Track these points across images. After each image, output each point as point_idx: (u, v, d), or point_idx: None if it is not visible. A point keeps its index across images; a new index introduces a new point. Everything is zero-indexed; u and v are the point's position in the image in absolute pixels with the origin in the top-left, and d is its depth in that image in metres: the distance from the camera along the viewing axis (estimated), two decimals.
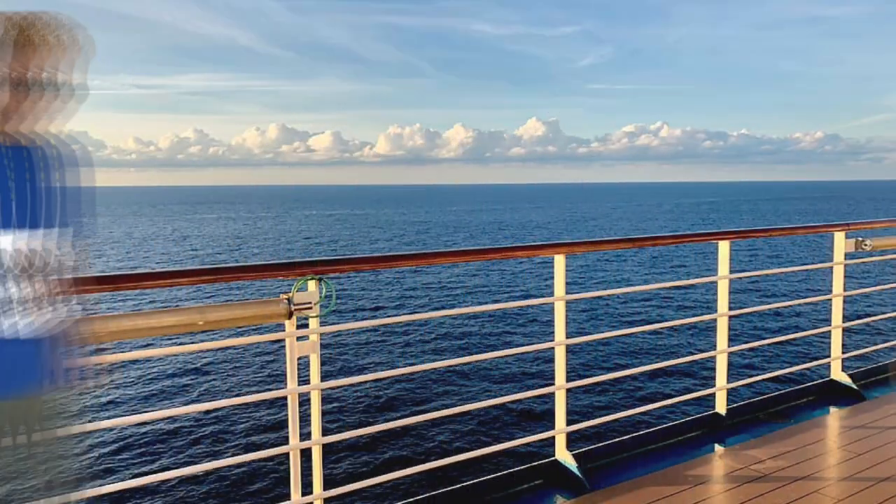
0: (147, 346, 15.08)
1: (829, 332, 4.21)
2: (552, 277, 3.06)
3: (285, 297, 2.33)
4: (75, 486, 1.71)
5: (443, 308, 22.24)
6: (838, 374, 4.19)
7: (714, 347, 3.65)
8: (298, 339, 2.39)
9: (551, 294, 3.05)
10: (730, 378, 3.71)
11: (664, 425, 3.47)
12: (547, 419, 10.92)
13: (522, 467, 2.99)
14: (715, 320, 3.63)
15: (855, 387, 4.09)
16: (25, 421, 1.66)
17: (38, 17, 1.53)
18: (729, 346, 3.65)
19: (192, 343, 14.59)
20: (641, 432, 3.38)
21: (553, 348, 3.04)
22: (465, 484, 2.78)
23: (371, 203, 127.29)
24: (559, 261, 3.00)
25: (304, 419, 2.50)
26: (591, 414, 11.20)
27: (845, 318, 4.17)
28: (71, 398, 1.70)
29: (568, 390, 3.10)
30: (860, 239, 4.04)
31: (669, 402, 3.68)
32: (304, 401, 2.56)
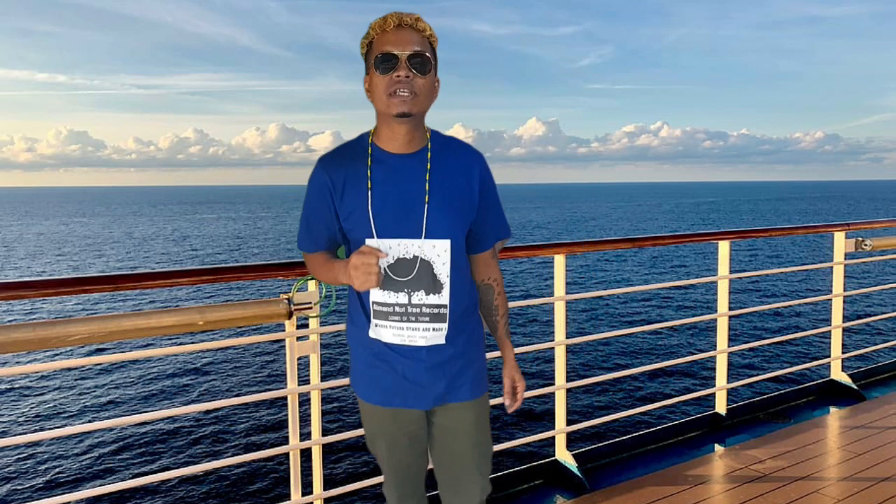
0: (147, 346, 15.10)
1: (829, 332, 4.22)
2: (552, 277, 3.06)
3: (285, 297, 2.32)
4: None
5: None
6: (838, 374, 4.19)
7: (714, 347, 3.65)
8: (298, 339, 2.39)
9: (551, 294, 3.05)
10: (730, 378, 3.72)
11: (664, 425, 3.47)
12: (547, 419, 10.91)
13: (522, 467, 2.98)
14: (715, 320, 3.64)
15: (855, 387, 4.09)
16: None
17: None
18: (729, 346, 3.65)
19: (192, 343, 14.58)
20: (641, 432, 3.38)
21: (553, 348, 3.04)
22: None
23: None
24: (559, 261, 3.00)
25: (304, 419, 2.50)
26: (591, 414, 11.20)
27: (845, 318, 4.17)
28: None
29: (568, 390, 3.10)
30: (860, 239, 4.04)
31: (669, 402, 3.68)
32: (304, 401, 2.56)
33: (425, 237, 1.61)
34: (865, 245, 4.02)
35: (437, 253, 1.61)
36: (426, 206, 1.61)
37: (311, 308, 2.36)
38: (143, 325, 2.12)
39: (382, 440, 1.76)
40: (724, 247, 3.58)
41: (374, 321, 1.66)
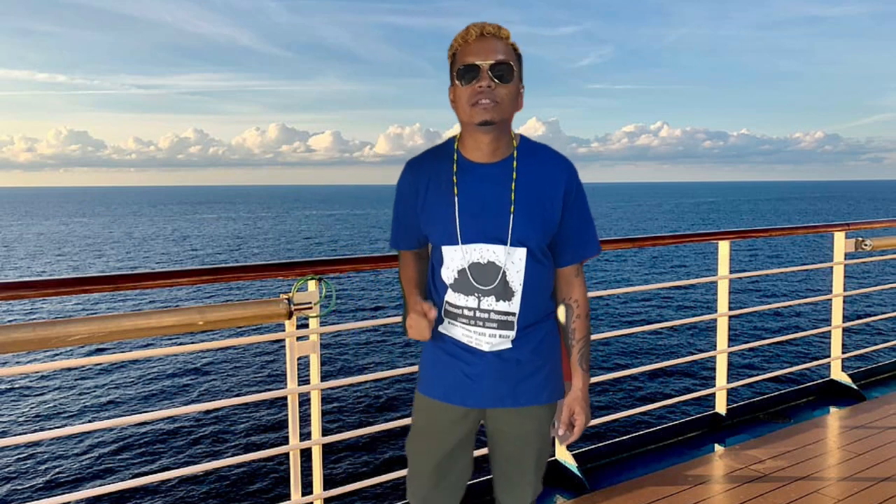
0: (147, 346, 15.10)
1: (829, 332, 4.22)
2: None
3: (285, 297, 2.32)
4: None
5: None
6: (838, 374, 4.19)
7: (714, 347, 3.65)
8: (298, 339, 2.39)
9: None
10: (730, 378, 3.72)
11: (664, 425, 3.46)
12: None
13: None
14: (715, 320, 3.64)
15: (855, 387, 4.09)
16: None
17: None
18: (729, 346, 3.65)
19: (192, 343, 14.59)
20: (641, 432, 3.38)
21: None
22: None
23: (371, 203, 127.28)
24: None
25: (304, 419, 2.50)
26: (591, 414, 11.19)
27: (845, 318, 4.17)
28: None
29: None
30: (860, 239, 4.04)
31: (669, 402, 3.68)
32: (304, 401, 2.56)
33: (508, 245, 1.60)
34: (865, 245, 4.02)
35: (513, 260, 1.61)
36: (511, 214, 1.60)
37: (311, 308, 2.36)
38: (143, 325, 2.12)
39: (432, 437, 1.74)
40: (724, 247, 3.58)
41: (445, 319, 1.69)
